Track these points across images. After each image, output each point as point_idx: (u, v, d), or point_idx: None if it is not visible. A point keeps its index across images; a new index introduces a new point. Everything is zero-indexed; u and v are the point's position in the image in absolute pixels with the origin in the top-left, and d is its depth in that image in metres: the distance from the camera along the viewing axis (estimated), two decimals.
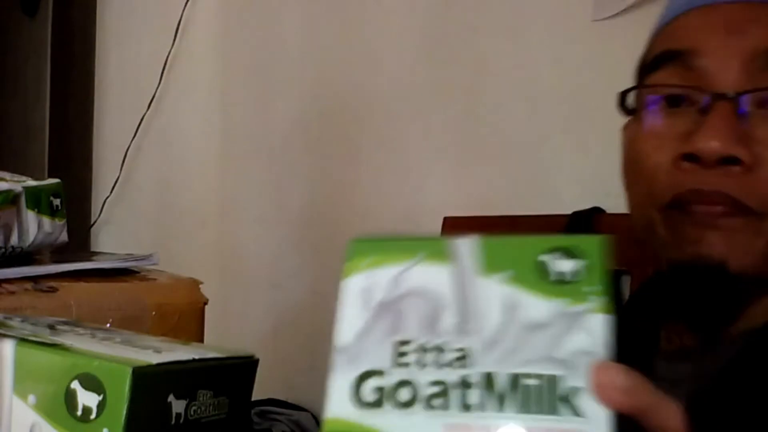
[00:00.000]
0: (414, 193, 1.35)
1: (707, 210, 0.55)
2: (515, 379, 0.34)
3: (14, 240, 0.84)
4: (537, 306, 0.35)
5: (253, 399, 0.54)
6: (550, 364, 0.34)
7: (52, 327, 0.56)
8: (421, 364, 0.35)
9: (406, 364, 0.35)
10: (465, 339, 0.35)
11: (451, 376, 0.35)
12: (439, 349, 0.35)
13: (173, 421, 0.46)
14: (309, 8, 1.54)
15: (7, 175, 0.88)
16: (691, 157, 0.55)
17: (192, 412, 0.47)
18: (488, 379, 0.34)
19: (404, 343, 0.36)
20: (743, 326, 0.58)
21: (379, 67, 1.42)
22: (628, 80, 0.64)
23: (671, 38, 0.60)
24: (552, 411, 0.33)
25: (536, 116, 1.20)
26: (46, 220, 0.88)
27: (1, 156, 1.70)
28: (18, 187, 0.85)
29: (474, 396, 0.34)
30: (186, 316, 0.85)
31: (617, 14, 1.08)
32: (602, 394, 0.33)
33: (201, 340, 0.86)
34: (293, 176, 1.56)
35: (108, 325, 0.76)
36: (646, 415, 0.34)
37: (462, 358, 0.35)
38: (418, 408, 0.34)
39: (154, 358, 0.45)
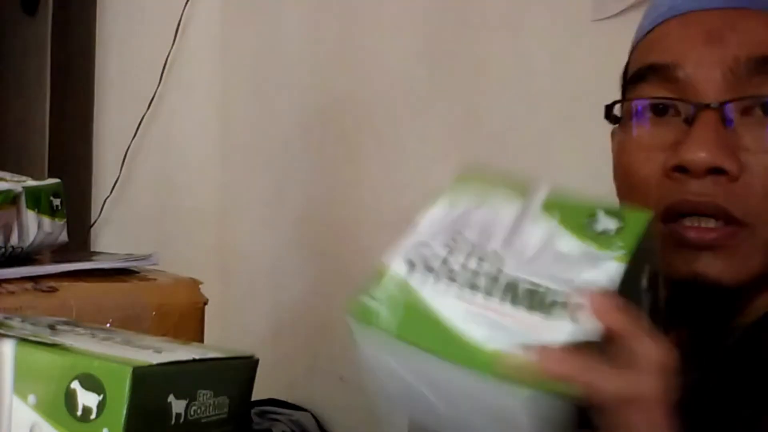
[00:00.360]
0: (414, 193, 1.35)
1: (700, 232, 0.56)
2: (533, 289, 0.43)
3: (14, 240, 0.83)
4: (571, 243, 0.44)
5: (253, 399, 0.54)
6: (565, 284, 0.42)
7: (52, 327, 0.55)
8: (464, 266, 0.45)
9: (454, 263, 0.45)
10: (506, 254, 0.45)
11: (483, 279, 0.44)
12: (482, 258, 0.45)
13: (173, 421, 0.46)
14: (309, 8, 1.54)
15: (7, 175, 0.88)
16: (680, 169, 0.56)
17: (192, 412, 0.47)
18: (511, 285, 0.43)
19: (457, 248, 0.46)
20: (738, 323, 0.59)
21: (379, 68, 1.42)
22: None
23: (652, 51, 0.61)
24: (551, 315, 0.42)
25: (536, 116, 1.20)
26: (46, 220, 0.88)
27: (1, 156, 1.70)
28: (18, 187, 0.85)
29: (497, 293, 0.43)
30: (186, 316, 0.85)
31: (617, 14, 1.08)
32: (598, 308, 0.40)
33: (201, 340, 0.85)
34: (293, 176, 1.56)
35: (108, 325, 0.76)
36: (633, 338, 0.40)
37: (496, 267, 0.44)
38: (451, 292, 0.44)
39: (154, 358, 0.46)
